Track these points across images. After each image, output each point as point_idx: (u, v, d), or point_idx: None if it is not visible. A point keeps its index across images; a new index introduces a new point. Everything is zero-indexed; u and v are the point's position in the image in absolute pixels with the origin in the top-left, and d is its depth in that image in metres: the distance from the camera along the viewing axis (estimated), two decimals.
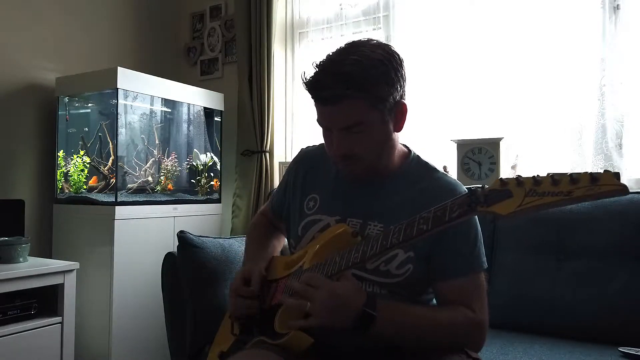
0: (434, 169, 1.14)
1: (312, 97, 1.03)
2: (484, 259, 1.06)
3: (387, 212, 1.07)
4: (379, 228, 1.06)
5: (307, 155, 1.27)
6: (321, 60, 1.02)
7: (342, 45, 1.04)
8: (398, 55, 1.04)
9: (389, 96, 1.00)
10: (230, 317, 1.16)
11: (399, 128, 1.07)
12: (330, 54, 1.03)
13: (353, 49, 1.01)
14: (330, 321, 0.90)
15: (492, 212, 0.74)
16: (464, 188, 1.09)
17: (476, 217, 1.05)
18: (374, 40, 1.05)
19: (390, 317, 0.92)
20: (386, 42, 1.06)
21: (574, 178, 0.68)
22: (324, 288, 0.90)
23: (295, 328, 0.91)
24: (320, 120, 1.06)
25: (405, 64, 1.05)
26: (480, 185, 0.80)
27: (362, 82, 0.96)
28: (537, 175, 0.72)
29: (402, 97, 1.04)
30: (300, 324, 0.91)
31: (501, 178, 0.76)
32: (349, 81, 0.96)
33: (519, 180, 0.73)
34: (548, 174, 0.71)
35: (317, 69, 1.01)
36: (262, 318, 1.06)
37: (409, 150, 1.17)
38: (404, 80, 1.04)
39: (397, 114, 1.05)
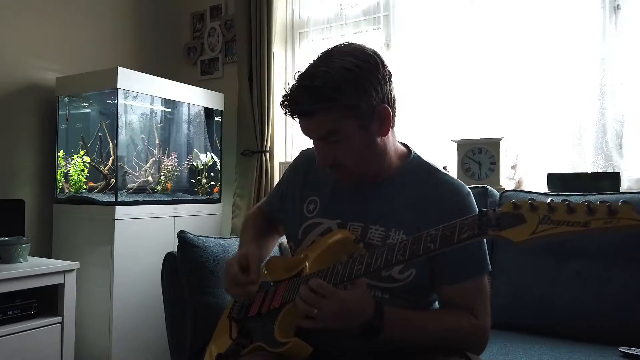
0: (436, 170, 1.12)
1: (288, 113, 1.04)
2: (487, 261, 1.05)
3: (388, 215, 1.06)
4: (380, 232, 1.05)
5: (307, 157, 1.24)
6: (300, 72, 1.03)
7: (319, 54, 1.05)
8: (375, 57, 1.01)
9: (362, 103, 0.99)
10: (227, 317, 1.16)
11: (384, 132, 1.04)
12: (311, 62, 1.04)
13: (324, 60, 1.01)
14: (337, 328, 0.90)
15: (503, 238, 0.72)
16: (467, 188, 1.09)
17: None
18: (350, 45, 1.04)
19: (396, 326, 0.93)
20: (361, 45, 1.04)
21: (591, 208, 0.66)
22: (332, 298, 0.89)
23: (303, 326, 0.91)
24: (301, 130, 1.07)
25: (388, 64, 1.03)
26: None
27: (330, 93, 0.96)
28: (552, 200, 0.70)
29: (383, 100, 1.02)
30: (306, 323, 0.91)
31: (514, 201, 0.74)
32: (317, 94, 0.97)
33: (532, 205, 0.71)
34: (563, 201, 0.69)
35: (293, 83, 1.02)
36: (260, 321, 1.05)
37: (409, 151, 1.15)
38: (384, 83, 1.01)
39: (379, 119, 1.02)
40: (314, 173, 1.20)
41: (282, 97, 1.03)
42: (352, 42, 1.05)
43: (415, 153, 1.15)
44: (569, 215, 0.67)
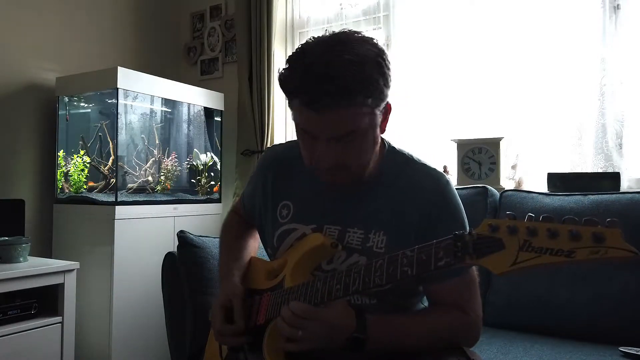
0: (410, 159, 1.04)
1: (300, 104, 0.87)
2: None
3: (367, 217, 1.00)
4: (359, 235, 0.99)
5: (276, 158, 1.14)
6: (302, 56, 0.87)
7: (321, 37, 0.89)
8: (383, 48, 0.92)
9: (386, 98, 0.91)
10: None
11: (383, 129, 0.97)
12: (312, 47, 0.87)
13: (341, 45, 0.85)
14: (322, 347, 0.88)
15: (482, 266, 0.67)
16: (446, 178, 1.03)
17: (460, 204, 1.01)
18: (355, 32, 0.90)
19: (382, 334, 0.89)
20: (370, 36, 0.92)
21: (574, 233, 0.59)
22: (314, 319, 0.86)
23: (289, 350, 0.89)
24: (303, 125, 0.91)
25: (395, 62, 0.96)
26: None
27: (362, 88, 0.84)
28: (531, 220, 0.64)
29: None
30: (291, 347, 0.88)
31: (491, 223, 0.66)
32: (348, 88, 0.83)
33: (510, 227, 0.64)
34: (543, 223, 0.63)
35: (300, 70, 0.86)
36: (248, 336, 1.02)
37: (383, 142, 1.06)
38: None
39: (385, 115, 0.95)
40: (285, 175, 1.10)
41: (284, 78, 0.88)
42: (351, 29, 0.92)
43: (389, 144, 1.06)
44: (551, 240, 0.61)
